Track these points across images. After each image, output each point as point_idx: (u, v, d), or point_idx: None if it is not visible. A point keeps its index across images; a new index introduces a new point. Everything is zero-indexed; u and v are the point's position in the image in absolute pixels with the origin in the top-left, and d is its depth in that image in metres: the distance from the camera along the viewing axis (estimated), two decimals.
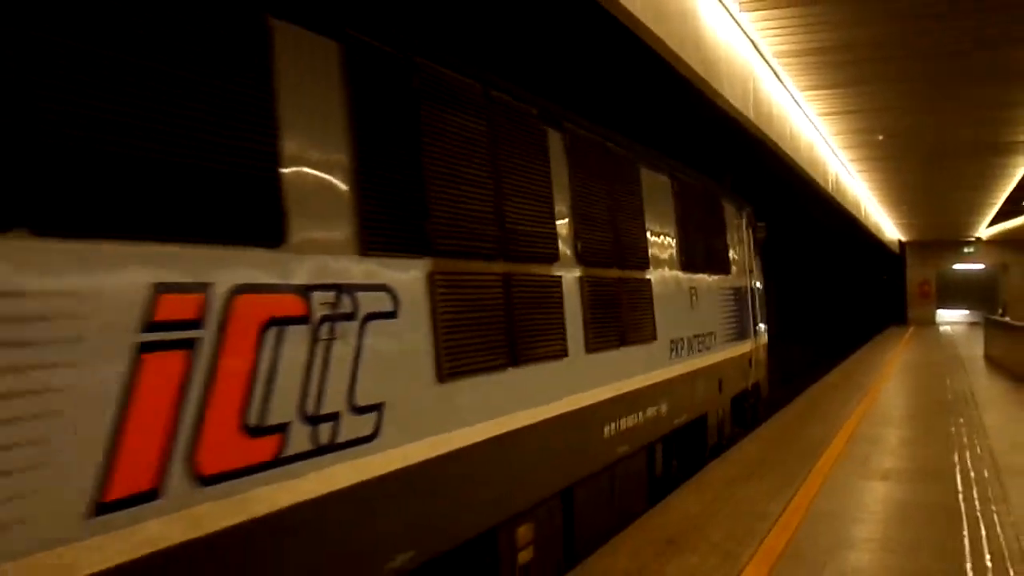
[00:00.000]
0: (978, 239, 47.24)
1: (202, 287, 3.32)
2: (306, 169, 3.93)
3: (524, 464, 5.79)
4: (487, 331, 5.31)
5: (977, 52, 12.55)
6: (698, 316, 10.06)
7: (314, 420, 3.84)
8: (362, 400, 4.15)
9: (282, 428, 3.66)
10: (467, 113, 5.34)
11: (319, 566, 3.85)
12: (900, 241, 48.22)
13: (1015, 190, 28.69)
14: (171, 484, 3.13)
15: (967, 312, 52.88)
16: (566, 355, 6.41)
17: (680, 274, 9.44)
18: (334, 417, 3.97)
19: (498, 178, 5.62)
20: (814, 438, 11.16)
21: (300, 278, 3.81)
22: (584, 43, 11.66)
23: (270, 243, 3.67)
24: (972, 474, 9.00)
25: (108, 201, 2.96)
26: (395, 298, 4.47)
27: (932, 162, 22.91)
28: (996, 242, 47.06)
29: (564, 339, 6.39)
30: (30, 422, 2.69)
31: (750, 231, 13.61)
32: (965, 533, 6.87)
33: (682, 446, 9.89)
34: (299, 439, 3.74)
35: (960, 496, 8.08)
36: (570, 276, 6.59)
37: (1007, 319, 32.17)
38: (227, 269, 3.44)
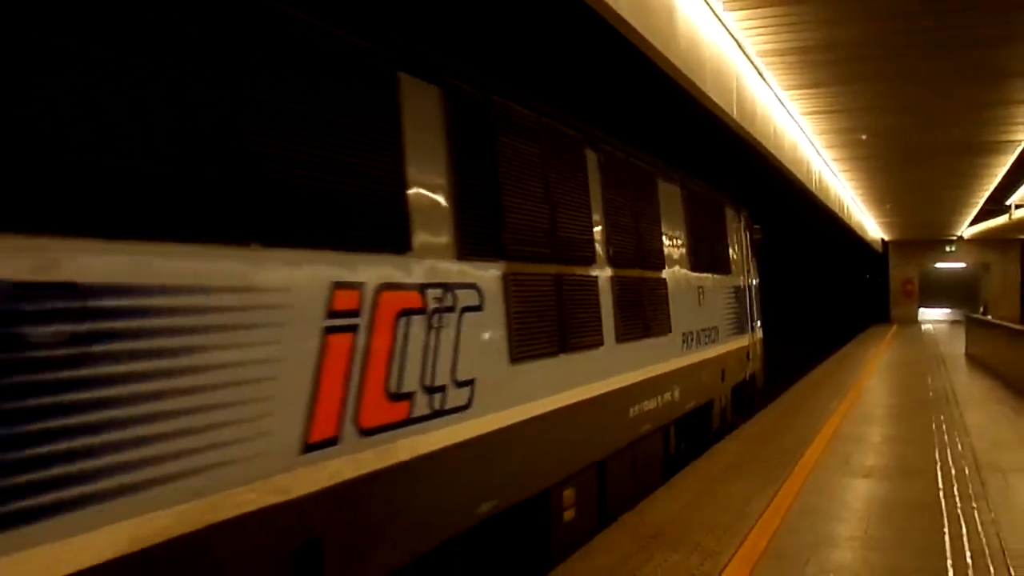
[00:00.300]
0: (960, 238, 47.57)
1: (359, 285, 4.32)
2: (421, 191, 4.94)
3: (570, 437, 6.78)
4: (544, 322, 6.34)
5: (959, 52, 12.62)
6: (704, 312, 11.09)
7: (431, 391, 4.88)
8: (461, 376, 5.17)
9: (410, 396, 4.69)
10: (527, 139, 6.40)
11: (434, 507, 4.89)
12: (883, 240, 48.50)
13: (996, 189, 28.89)
14: (345, 433, 4.16)
15: (949, 311, 53.29)
16: (602, 344, 7.41)
17: (689, 274, 10.51)
18: (443, 389, 5.00)
19: (550, 193, 6.67)
20: (797, 436, 11.20)
21: (419, 278, 4.83)
22: (570, 43, 11.67)
23: (400, 251, 4.69)
24: (953, 472, 9.05)
25: (308, 220, 3.99)
26: (481, 294, 5.50)
27: (914, 161, 23.03)
28: (977, 241, 47.41)
29: (600, 330, 7.40)
30: (260, 384, 3.65)
31: (747, 234, 14.72)
32: (946, 531, 6.90)
33: (690, 429, 10.87)
34: (421, 405, 4.78)
35: (941, 494, 8.12)
36: (604, 276, 7.61)
37: (988, 318, 32.43)
38: (374, 271, 4.44)
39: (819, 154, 21.15)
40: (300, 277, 3.93)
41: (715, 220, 12.32)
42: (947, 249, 48.88)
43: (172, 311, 3.27)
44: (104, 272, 3.01)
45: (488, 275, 5.61)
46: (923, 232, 45.92)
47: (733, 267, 13.18)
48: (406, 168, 4.77)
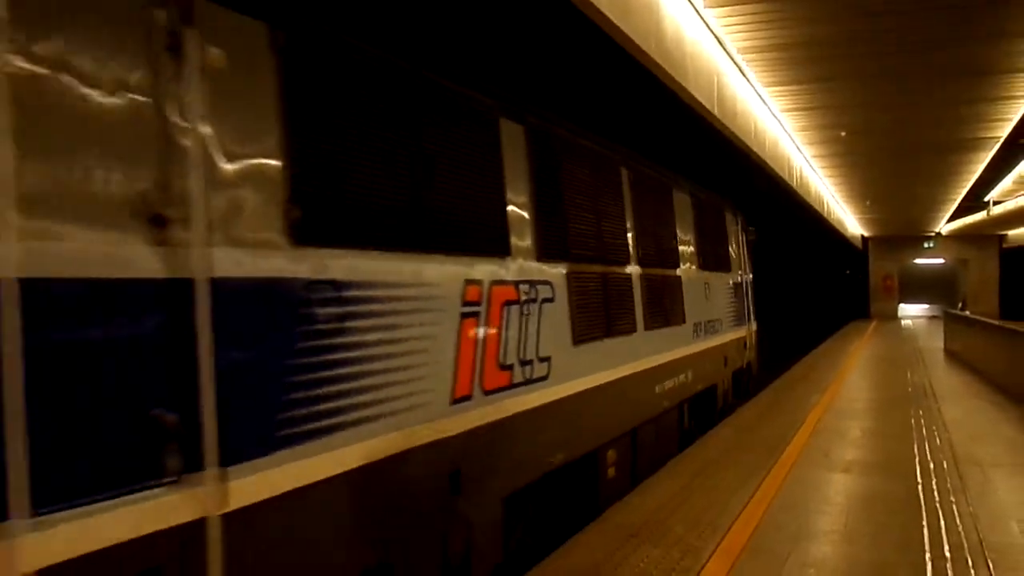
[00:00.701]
0: (939, 234, 47.97)
1: (479, 282, 5.71)
2: (514, 208, 6.41)
3: (613, 407, 8.24)
4: (595, 312, 7.75)
5: (937, 50, 12.71)
6: (710, 305, 12.62)
7: (523, 364, 6.30)
8: (542, 353, 6.59)
9: (511, 367, 6.11)
10: (579, 162, 7.85)
11: (527, 453, 6.38)
12: (863, 236, 48.83)
13: (974, 186, 29.13)
14: (474, 392, 5.57)
15: (928, 306, 53.72)
16: (634, 331, 8.88)
17: (699, 272, 11.99)
18: (531, 363, 6.41)
19: (597, 205, 8.13)
20: (778, 431, 11.26)
21: (514, 276, 6.23)
22: (551, 39, 11.66)
23: (503, 255, 6.11)
24: (931, 466, 9.13)
25: (452, 233, 5.43)
26: (553, 289, 6.88)
27: (894, 158, 23.18)
28: (956, 237, 47.84)
29: (633, 320, 8.87)
30: (422, 354, 4.99)
31: (744, 235, 16.36)
32: (924, 524, 6.97)
33: (699, 408, 12.28)
34: (518, 374, 6.22)
35: (920, 487, 8.19)
36: (635, 274, 9.04)
37: (967, 313, 32.70)
38: (488, 270, 5.84)
39: (799, 151, 21.24)
40: (447, 275, 5.32)
41: (718, 224, 13.88)
42: (926, 245, 49.29)
43: (385, 299, 4.69)
44: (348, 272, 4.37)
45: (558, 273, 7.04)
46: (902, 228, 46.28)
47: (732, 265, 14.77)
48: (505, 191, 6.28)
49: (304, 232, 4.04)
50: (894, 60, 13.30)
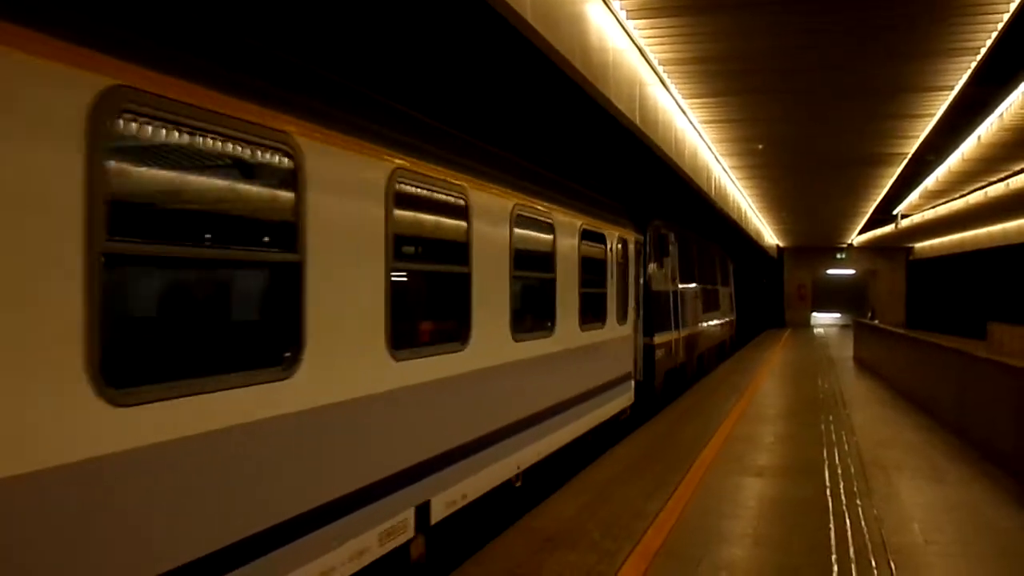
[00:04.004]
0: (850, 246, 49.56)
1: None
2: (683, 271, 18.46)
3: (710, 334, 23.89)
4: (704, 304, 22.34)
5: (851, 67, 13.14)
6: (723, 303, 27.49)
7: (702, 321, 22.45)
8: (705, 319, 23.09)
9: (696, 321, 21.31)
10: (692, 246, 20.21)
11: (704, 348, 22.52)
12: (778, 247, 50.13)
13: (884, 200, 30.20)
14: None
15: (840, 315, 55.29)
16: (717, 310, 25.68)
17: (720, 287, 26.69)
18: (701, 322, 22.38)
19: (702, 261, 22.44)
20: (692, 437, 11.46)
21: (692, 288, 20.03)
22: (473, 44, 11.70)
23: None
24: (840, 470, 9.40)
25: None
26: (696, 294, 21.10)
27: (808, 171, 23.90)
28: (866, 249, 49.51)
29: (715, 307, 25.18)
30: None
31: (731, 265, 31.51)
32: (832, 527, 7.16)
33: (716, 353, 25.50)
34: (701, 324, 22.16)
35: (828, 491, 8.42)
36: (707, 288, 22.96)
37: (876, 322, 33.81)
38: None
39: (718, 161, 21.69)
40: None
41: (724, 263, 29.11)
42: (838, 256, 50.92)
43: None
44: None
45: (695, 288, 19.71)
46: (816, 240, 47.69)
47: (724, 282, 28.53)
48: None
49: None
50: (806, 77, 13.72)
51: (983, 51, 12.11)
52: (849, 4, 10.44)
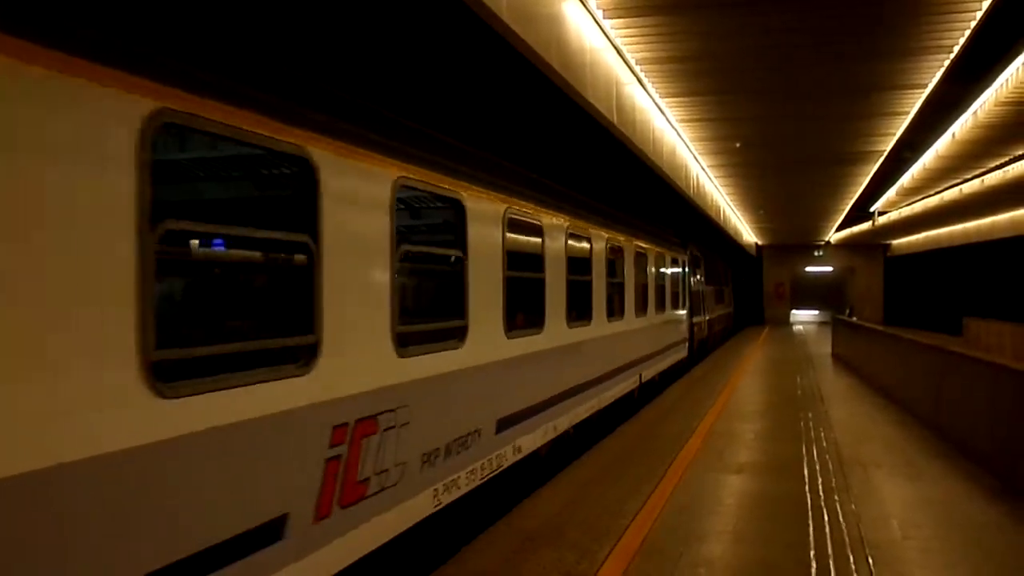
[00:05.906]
0: (828, 243, 49.90)
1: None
2: (703, 280, 26.36)
3: (718, 321, 32.26)
4: (718, 298, 31.80)
5: (827, 67, 13.25)
6: (727, 298, 38.32)
7: (705, 311, 27.97)
8: (715, 307, 30.81)
9: (704, 309, 27.88)
10: (714, 262, 29.83)
11: (711, 331, 29.20)
12: (757, 245, 50.40)
13: (861, 197, 30.43)
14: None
15: (818, 312, 55.64)
16: (722, 303, 33.92)
17: (725, 288, 36.58)
18: (707, 309, 28.58)
19: (717, 272, 30.50)
20: (673, 435, 11.49)
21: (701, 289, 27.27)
22: (450, 44, 11.69)
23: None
24: (818, 466, 9.46)
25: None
26: (709, 292, 28.24)
27: (786, 169, 24.05)
28: (844, 246, 49.86)
29: (722, 301, 33.97)
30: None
31: (729, 272, 39.88)
32: (810, 523, 7.20)
33: (723, 331, 35.17)
34: (704, 313, 27.49)
35: (807, 487, 8.47)
36: (712, 288, 29.38)
37: (854, 319, 34.06)
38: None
39: (696, 160, 21.79)
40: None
41: (726, 270, 38.27)
42: (816, 254, 51.27)
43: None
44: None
45: (711, 288, 27.95)
46: (794, 237, 48.01)
47: (726, 284, 37.14)
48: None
49: None
50: (782, 76, 13.80)
51: (956, 49, 12.24)
52: (824, 4, 10.52)
